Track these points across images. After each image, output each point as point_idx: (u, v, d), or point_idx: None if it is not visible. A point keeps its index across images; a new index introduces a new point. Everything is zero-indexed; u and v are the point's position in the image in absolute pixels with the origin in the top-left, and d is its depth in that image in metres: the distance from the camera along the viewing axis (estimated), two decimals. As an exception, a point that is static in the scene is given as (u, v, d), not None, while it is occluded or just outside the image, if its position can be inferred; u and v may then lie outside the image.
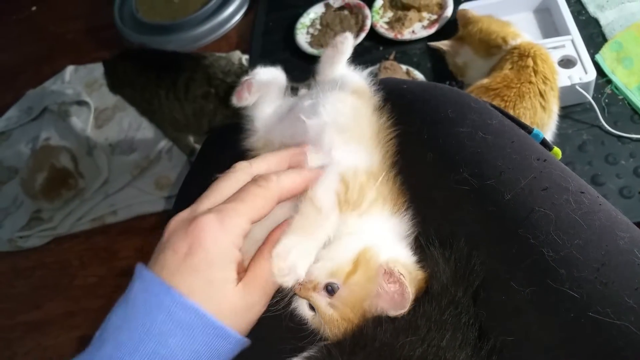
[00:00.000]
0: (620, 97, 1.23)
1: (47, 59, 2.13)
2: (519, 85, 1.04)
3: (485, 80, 1.08)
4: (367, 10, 1.56)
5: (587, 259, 0.42)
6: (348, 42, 0.58)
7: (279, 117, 0.58)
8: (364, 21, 1.55)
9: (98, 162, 1.69)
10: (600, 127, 1.18)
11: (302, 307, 0.48)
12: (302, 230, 0.45)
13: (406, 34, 1.49)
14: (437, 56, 1.35)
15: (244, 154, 0.57)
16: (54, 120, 1.86)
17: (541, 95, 1.04)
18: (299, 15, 1.65)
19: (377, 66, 1.37)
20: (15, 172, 1.80)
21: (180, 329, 0.40)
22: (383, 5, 1.58)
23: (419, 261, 0.47)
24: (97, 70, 1.91)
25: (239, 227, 0.43)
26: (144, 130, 1.74)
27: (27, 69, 2.14)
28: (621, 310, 0.40)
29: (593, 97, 1.18)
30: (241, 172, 0.48)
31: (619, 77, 1.25)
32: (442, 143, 0.53)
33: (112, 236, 1.59)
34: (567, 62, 1.20)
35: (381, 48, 1.51)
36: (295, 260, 0.43)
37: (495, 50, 1.16)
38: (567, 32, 1.25)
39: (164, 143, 1.67)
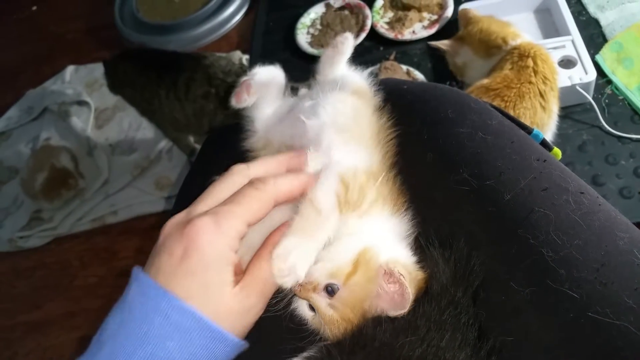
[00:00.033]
0: (621, 97, 1.23)
1: (47, 58, 2.12)
2: (519, 85, 1.04)
3: (485, 81, 1.08)
4: (367, 10, 1.56)
5: (587, 259, 0.42)
6: (348, 42, 0.58)
7: (279, 118, 0.57)
8: (364, 21, 1.55)
9: (98, 162, 1.69)
10: (601, 128, 1.18)
11: (302, 308, 0.48)
12: (302, 232, 0.45)
13: (406, 34, 1.48)
14: (438, 56, 1.34)
15: (244, 154, 0.57)
16: (54, 120, 1.86)
17: (541, 95, 1.04)
18: (299, 15, 1.64)
19: (377, 66, 1.36)
20: (16, 172, 1.80)
21: (177, 332, 0.40)
22: (383, 6, 1.58)
23: (419, 261, 0.47)
24: (97, 70, 1.91)
25: (235, 229, 0.43)
26: (144, 130, 1.74)
27: (27, 69, 2.14)
28: (620, 310, 0.40)
29: (593, 98, 1.18)
30: (238, 174, 0.47)
31: (619, 77, 1.25)
32: (442, 143, 0.53)
33: (112, 236, 1.59)
34: (567, 63, 1.20)
35: (381, 48, 1.51)
36: (295, 262, 0.43)
37: (495, 50, 1.16)
38: (567, 32, 1.25)
39: (164, 143, 1.67)
